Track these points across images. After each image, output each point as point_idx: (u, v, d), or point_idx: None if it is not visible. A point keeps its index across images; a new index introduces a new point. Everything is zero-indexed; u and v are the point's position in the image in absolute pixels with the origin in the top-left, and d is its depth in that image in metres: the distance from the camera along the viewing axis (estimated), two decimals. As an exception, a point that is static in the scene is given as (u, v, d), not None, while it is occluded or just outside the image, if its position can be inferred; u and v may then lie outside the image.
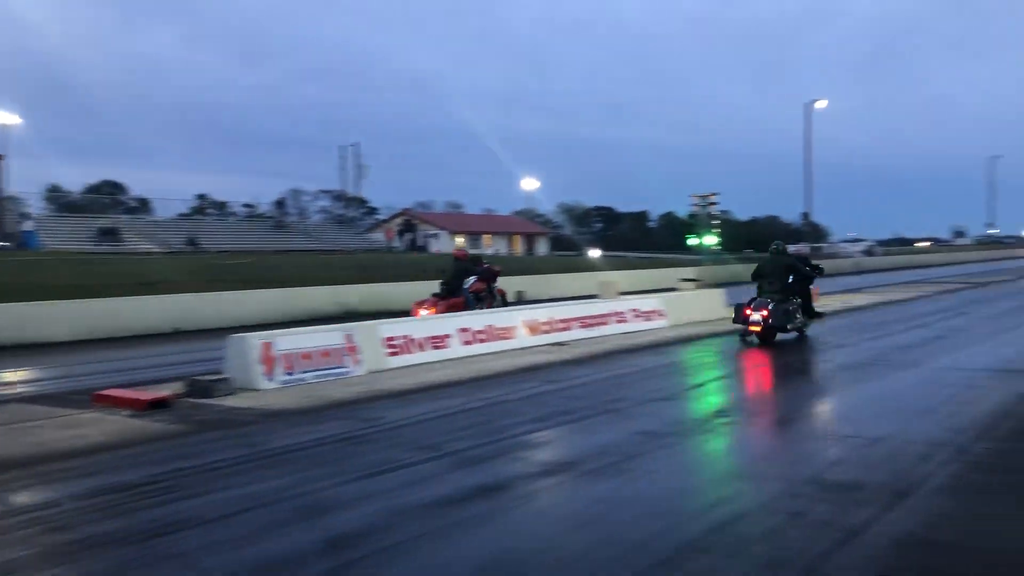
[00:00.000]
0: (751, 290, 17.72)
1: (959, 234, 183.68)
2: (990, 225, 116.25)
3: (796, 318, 17.28)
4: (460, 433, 9.51)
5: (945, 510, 6.38)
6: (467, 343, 15.80)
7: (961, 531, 5.94)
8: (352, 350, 13.65)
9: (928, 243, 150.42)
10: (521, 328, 16.98)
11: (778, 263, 17.57)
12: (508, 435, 9.38)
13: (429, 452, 8.58)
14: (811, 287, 18.08)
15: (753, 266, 18.26)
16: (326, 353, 13.28)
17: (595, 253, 70.04)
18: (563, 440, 9.31)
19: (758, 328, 16.63)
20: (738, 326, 17.13)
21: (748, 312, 16.85)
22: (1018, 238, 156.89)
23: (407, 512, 6.59)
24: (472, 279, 20.60)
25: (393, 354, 14.37)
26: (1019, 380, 12.10)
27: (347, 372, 13.39)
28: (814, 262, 19.83)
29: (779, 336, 17.00)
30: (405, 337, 14.69)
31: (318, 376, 12.96)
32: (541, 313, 17.81)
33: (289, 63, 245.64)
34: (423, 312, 19.34)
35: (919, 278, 45.35)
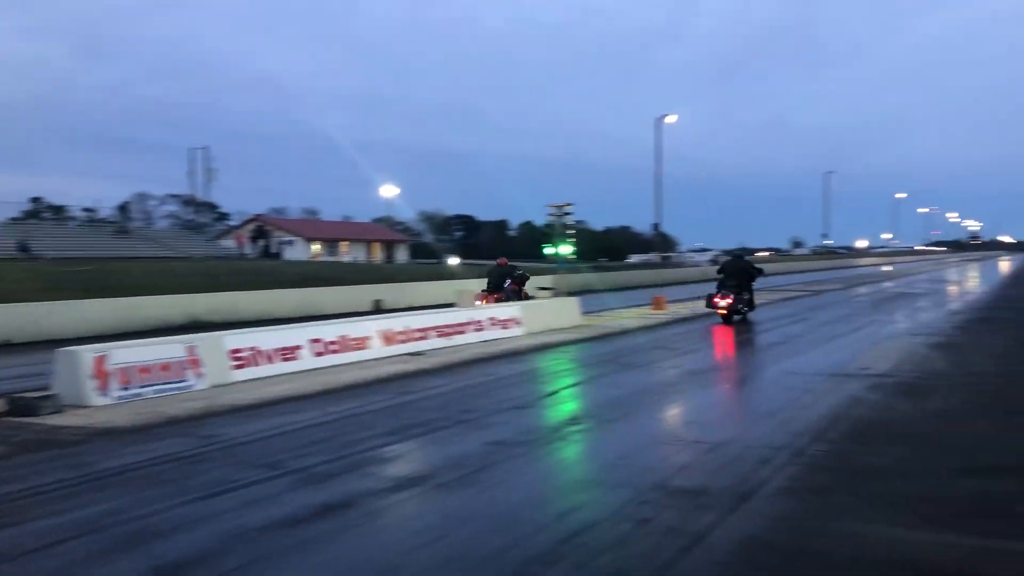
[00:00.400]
0: (604, 298, 18.22)
1: (797, 244, 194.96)
2: (825, 236, 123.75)
3: (744, 308, 23.19)
4: (307, 449, 9.14)
5: (783, 512, 6.58)
6: (319, 354, 15.31)
7: (798, 532, 6.13)
8: (194, 363, 12.96)
9: (767, 253, 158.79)
10: (376, 338, 16.63)
11: (737, 265, 23.76)
12: (358, 450, 9.08)
13: (272, 470, 8.18)
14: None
15: (607, 274, 19.03)
16: (166, 366, 12.55)
17: (454, 261, 70.01)
18: (415, 453, 9.10)
19: (724, 311, 22.48)
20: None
21: (717, 300, 22.69)
22: (850, 248, 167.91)
23: (244, 535, 6.22)
24: (508, 280, 25.37)
25: (239, 367, 13.74)
26: (851, 383, 12.76)
27: (189, 386, 12.70)
28: (757, 265, 25.00)
29: (737, 317, 23.07)
30: (252, 349, 14.08)
31: (157, 391, 12.22)
32: (397, 322, 17.51)
33: (134, 61, 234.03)
34: (478, 303, 23.51)
35: (761, 286, 47.62)
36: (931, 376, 13.36)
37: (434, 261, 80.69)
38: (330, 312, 27.03)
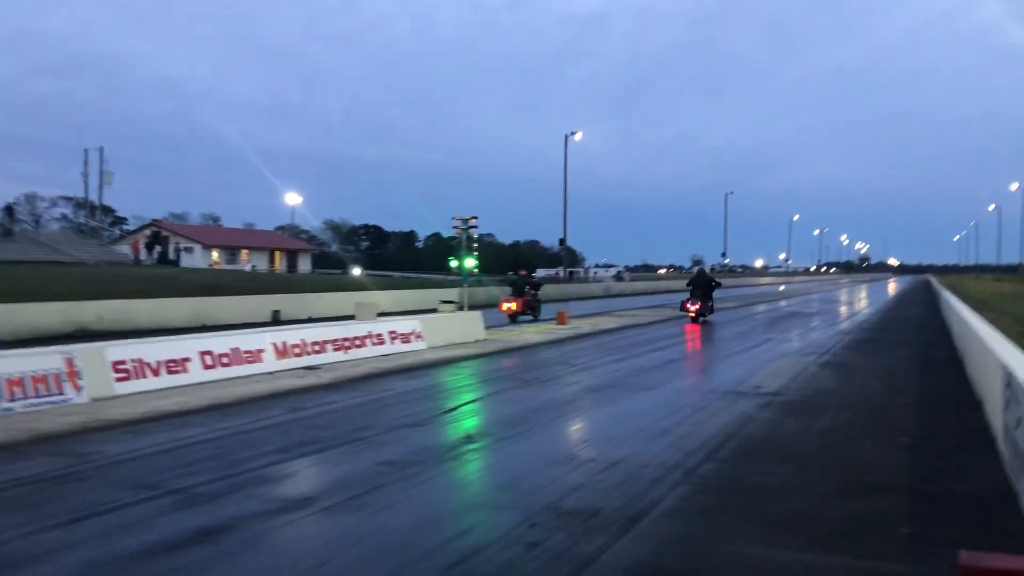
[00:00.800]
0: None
1: (698, 262, 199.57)
2: (724, 255, 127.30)
3: (707, 311, 30.40)
4: (190, 468, 8.72)
5: (673, 534, 6.57)
6: (210, 367, 14.75)
7: (688, 556, 6.11)
8: (73, 375, 12.28)
9: (665, 270, 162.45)
10: (270, 351, 16.13)
11: (703, 279, 30.83)
12: (243, 469, 8.70)
13: (150, 491, 7.76)
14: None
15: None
16: (41, 379, 11.84)
17: (356, 271, 69.08)
18: (303, 473, 8.78)
19: (693, 313, 29.43)
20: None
21: (688, 305, 29.65)
22: (748, 268, 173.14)
23: (113, 563, 5.85)
24: (528, 286, 32.46)
25: (123, 379, 13.10)
26: (743, 401, 13.00)
27: (65, 400, 12.01)
28: (717, 280, 32.15)
29: (702, 319, 30.09)
30: (137, 361, 13.44)
31: (29, 406, 11.51)
32: (293, 335, 17.03)
33: (23, 56, 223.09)
34: (506, 306, 31.02)
35: (662, 303, 48.50)
36: (820, 395, 13.72)
37: (338, 272, 79.48)
38: (227, 323, 26.25)
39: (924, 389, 14.42)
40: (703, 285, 30.36)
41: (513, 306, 30.92)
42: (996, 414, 9.55)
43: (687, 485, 8.02)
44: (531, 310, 31.89)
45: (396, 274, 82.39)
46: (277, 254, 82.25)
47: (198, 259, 70.83)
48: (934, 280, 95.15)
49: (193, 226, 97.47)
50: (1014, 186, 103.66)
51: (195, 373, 14.41)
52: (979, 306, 29.92)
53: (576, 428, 11.52)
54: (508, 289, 33.09)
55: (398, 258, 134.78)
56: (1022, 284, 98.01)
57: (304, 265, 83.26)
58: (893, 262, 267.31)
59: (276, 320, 30.19)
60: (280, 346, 16.43)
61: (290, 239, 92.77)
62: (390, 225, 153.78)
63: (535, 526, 6.71)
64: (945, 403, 12.88)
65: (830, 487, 7.92)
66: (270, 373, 15.64)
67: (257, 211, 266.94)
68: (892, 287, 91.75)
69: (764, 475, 8.44)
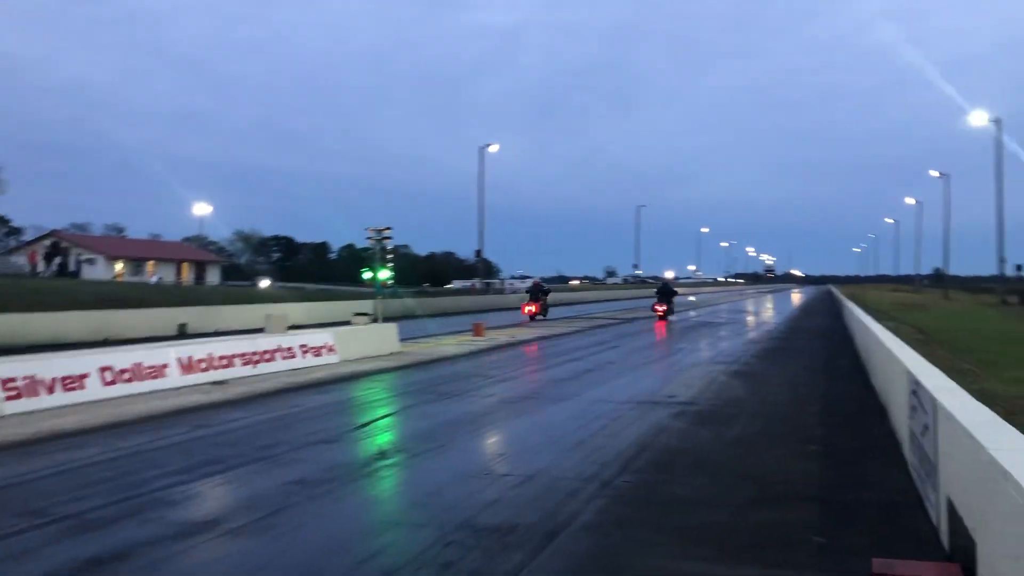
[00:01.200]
0: (424, 324, 17.94)
1: (611, 273, 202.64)
2: (636, 267, 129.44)
3: (671, 312, 39.70)
4: (84, 491, 8.22)
5: (591, 549, 6.46)
6: (110, 383, 14.06)
7: (604, 571, 6.01)
8: (-43, 395, 11.51)
9: (578, 281, 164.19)
10: (175, 366, 15.49)
11: (667, 287, 41.34)
12: (143, 491, 8.25)
13: (38, 517, 7.26)
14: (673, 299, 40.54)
15: (428, 300, 18.83)
16: (-80, 399, 11.06)
17: (264, 283, 67.54)
18: (207, 494, 8.37)
19: (661, 313, 38.78)
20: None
21: (656, 307, 39.05)
22: (659, 279, 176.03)
23: (-9, 600, 5.40)
24: (541, 293, 41.02)
25: (12, 398, 12.35)
26: (657, 411, 13.06)
27: (-52, 421, 11.24)
28: (675, 288, 43.52)
29: (668, 316, 39.48)
30: (29, 378, 12.70)
31: (-93, 428, 10.73)
32: (199, 349, 16.40)
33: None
34: (527, 309, 39.66)
35: (576, 314, 48.87)
36: (731, 404, 13.90)
37: (248, 283, 77.62)
38: (130, 336, 25.17)
39: (830, 397, 14.76)
40: (667, 292, 40.59)
41: (533, 308, 39.74)
42: (901, 421, 9.78)
43: (603, 498, 7.94)
44: (543, 312, 40.32)
45: (308, 286, 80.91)
46: (184, 266, 79.80)
47: (101, 271, 68.12)
48: (835, 290, 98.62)
49: (96, 237, 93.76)
50: (910, 200, 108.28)
51: (94, 390, 13.71)
52: (879, 315, 31.02)
53: (492, 441, 11.36)
54: (424, 300, 33.22)
55: (310, 270, 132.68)
56: (917, 294, 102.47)
57: (213, 277, 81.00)
58: (797, 273, 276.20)
59: (182, 334, 29.19)
60: (186, 361, 15.79)
61: (198, 250, 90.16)
62: (302, 236, 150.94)
63: (450, 545, 6.51)
64: (851, 411, 13.18)
65: (743, 497, 7.95)
66: (175, 389, 15.01)
67: (164, 222, 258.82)
68: (796, 297, 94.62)
69: (679, 486, 8.43)
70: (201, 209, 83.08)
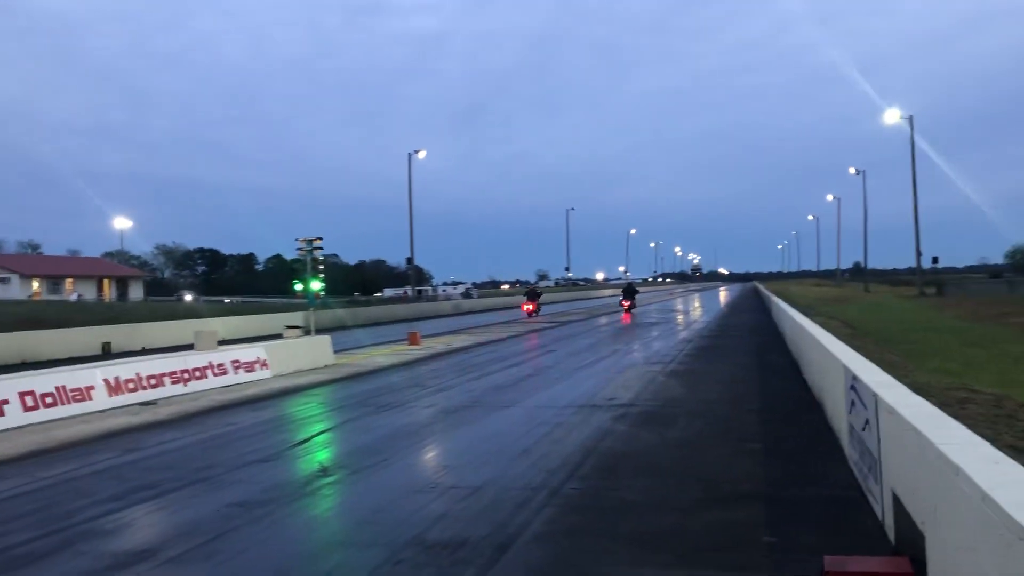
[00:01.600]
0: (357, 335, 17.62)
1: (543, 277, 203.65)
2: (567, 269, 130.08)
3: (633, 307, 49.11)
4: (8, 526, 7.83)
5: (543, 560, 6.38)
6: (31, 409, 13.47)
7: (558, 582, 5.94)
8: None
9: (509, 285, 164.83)
10: (101, 387, 14.92)
11: (630, 287, 51.67)
12: (72, 523, 7.88)
13: (-41, 557, 6.85)
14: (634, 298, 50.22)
15: (360, 310, 18.53)
16: None
17: (187, 297, 65.98)
18: (141, 522, 8.03)
19: (626, 306, 48.81)
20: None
21: (623, 303, 49.40)
22: (590, 280, 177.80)
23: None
24: (537, 294, 52.21)
25: (-74, 429, 11.72)
26: (599, 415, 13.08)
27: None
28: (637, 288, 53.33)
29: (631, 309, 49.13)
30: (-56, 407, 12.08)
31: None
32: (126, 368, 15.84)
33: None
34: (526, 307, 49.31)
35: (511, 318, 48.91)
36: (671, 404, 14.00)
37: (173, 298, 75.69)
38: (51, 358, 24.31)
39: (766, 393, 15.00)
40: (631, 291, 50.88)
41: (531, 307, 49.52)
42: (839, 416, 9.96)
43: (552, 506, 7.88)
44: (538, 310, 49.92)
45: (236, 299, 79.38)
46: (106, 282, 77.42)
47: (16, 290, 65.67)
48: (761, 287, 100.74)
49: (9, 255, 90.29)
50: (830, 197, 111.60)
51: (13, 417, 13.11)
52: (807, 311, 31.74)
53: (436, 453, 11.20)
54: (356, 310, 32.67)
55: (238, 282, 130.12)
56: (839, 288, 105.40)
57: (136, 292, 78.76)
58: (723, 271, 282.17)
59: (107, 353, 28.25)
60: (112, 381, 15.24)
61: (120, 266, 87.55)
62: (228, 248, 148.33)
63: (400, 563, 6.36)
64: (787, 407, 13.40)
65: (690, 499, 7.98)
66: (101, 412, 14.47)
67: (83, 237, 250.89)
68: (723, 295, 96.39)
69: (626, 490, 8.42)
70: (121, 223, 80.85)
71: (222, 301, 69.57)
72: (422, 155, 68.44)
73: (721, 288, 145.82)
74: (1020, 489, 3.75)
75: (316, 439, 12.37)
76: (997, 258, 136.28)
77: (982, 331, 29.83)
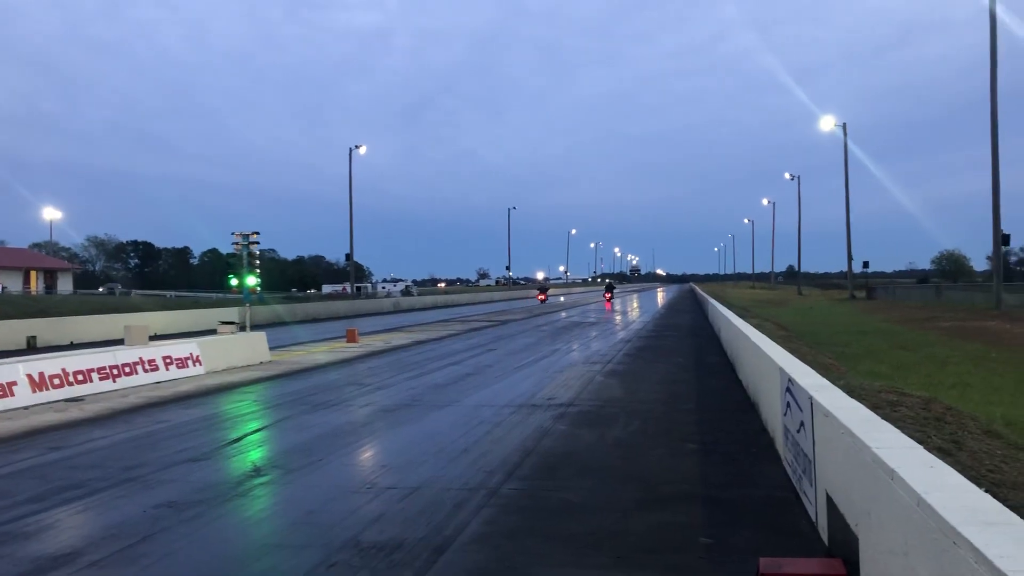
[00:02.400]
0: (294, 331, 17.29)
1: (483, 275, 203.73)
2: (508, 268, 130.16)
3: (613, 298, 73.76)
4: (-80, 529, 7.43)
5: (481, 563, 6.29)
6: (-52, 405, 12.90)
7: (496, 585, 5.87)
8: None
9: (443, 284, 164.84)
10: (24, 383, 14.37)
11: (611, 284, 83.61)
12: (-11, 525, 7.53)
13: None
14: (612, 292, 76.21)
15: (298, 306, 18.03)
16: None
17: (117, 290, 64.32)
18: (65, 523, 7.71)
19: (608, 301, 68.99)
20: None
21: (606, 295, 73.06)
22: (531, 280, 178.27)
23: None
24: (545, 288, 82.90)
25: None
26: (539, 414, 13.05)
27: None
28: (610, 282, 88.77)
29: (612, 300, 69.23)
30: None
31: None
32: (51, 364, 15.29)
33: None
34: (540, 296, 76.36)
35: (451, 316, 48.76)
36: (610, 404, 14.05)
37: (104, 292, 73.71)
38: (-30, 352, 23.32)
39: (703, 394, 15.16)
40: (611, 287, 71.99)
41: (543, 296, 70.14)
42: (774, 417, 10.08)
43: (491, 507, 7.80)
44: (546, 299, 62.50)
45: (169, 293, 77.58)
46: (33, 274, 74.83)
47: (-64, 281, 63.07)
48: (698, 288, 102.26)
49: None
50: (765, 201, 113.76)
51: (-71, 413, 12.55)
52: (742, 312, 32.26)
53: (373, 453, 11.03)
54: (293, 306, 31.92)
55: (171, 276, 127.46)
56: (773, 291, 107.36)
57: (65, 285, 76.30)
58: (661, 272, 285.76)
59: (32, 347, 27.34)
60: (36, 377, 14.69)
61: (48, 257, 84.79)
62: (162, 241, 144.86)
63: (335, 566, 6.22)
64: (723, 407, 13.56)
65: (629, 500, 7.98)
66: (24, 408, 13.96)
67: (8, 228, 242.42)
68: (661, 296, 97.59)
69: (565, 491, 8.38)
70: (51, 214, 78.43)
71: (160, 295, 67.84)
72: (363, 151, 67.86)
73: (659, 289, 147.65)
74: (955, 494, 3.80)
75: (249, 438, 12.09)
76: (924, 263, 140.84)
77: (911, 334, 30.69)
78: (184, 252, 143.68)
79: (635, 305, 66.32)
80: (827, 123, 72.06)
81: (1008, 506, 6.25)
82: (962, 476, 4.21)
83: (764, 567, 5.41)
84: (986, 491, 5.32)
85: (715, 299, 45.93)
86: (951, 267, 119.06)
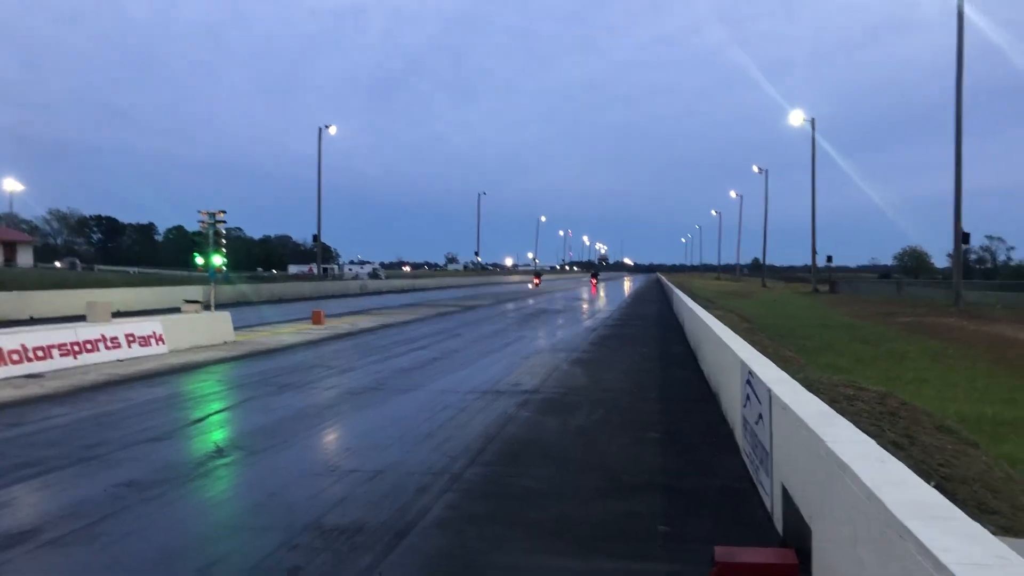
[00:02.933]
0: (261, 311, 17.19)
1: (452, 260, 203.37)
2: (477, 254, 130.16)
3: (599, 282, 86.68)
4: None
5: (442, 547, 6.35)
6: (-96, 379, 12.68)
7: (457, 569, 5.92)
8: None
9: (408, 267, 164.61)
10: (-18, 358, 14.16)
11: (596, 267, 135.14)
12: (-55, 501, 7.45)
13: None
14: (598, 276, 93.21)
15: (264, 286, 17.90)
16: None
17: (78, 265, 63.38)
18: (23, 501, 7.65)
19: (594, 281, 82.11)
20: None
21: (593, 280, 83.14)
22: (499, 266, 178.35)
23: None
24: (538, 273, 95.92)
25: None
26: (503, 401, 13.12)
27: None
28: (596, 269, 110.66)
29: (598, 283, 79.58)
30: None
31: None
32: (10, 339, 15.07)
33: None
34: (535, 280, 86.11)
35: (418, 300, 48.67)
36: (574, 392, 14.16)
37: (66, 266, 72.58)
38: (-74, 325, 22.86)
39: (666, 384, 15.32)
40: (596, 270, 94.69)
41: (537, 280, 77.83)
42: (734, 408, 10.24)
43: (454, 492, 7.86)
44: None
45: (133, 269, 76.59)
46: (-8, 246, 73.48)
47: None
48: (664, 279, 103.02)
49: None
50: (732, 193, 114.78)
51: None
52: (706, 304, 32.57)
53: (337, 436, 11.04)
54: (259, 286, 31.60)
55: (136, 252, 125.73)
56: (738, 282, 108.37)
57: (25, 259, 74.99)
58: (628, 261, 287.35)
59: (-10, 321, 26.85)
60: (-6, 353, 14.47)
61: (7, 230, 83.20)
62: (126, 216, 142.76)
63: (296, 548, 6.25)
64: (685, 397, 13.73)
65: (591, 488, 8.08)
66: (-19, 384, 13.74)
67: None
68: (628, 285, 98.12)
69: (528, 477, 8.46)
70: (11, 185, 76.95)
71: (123, 271, 66.91)
72: (333, 130, 67.31)
73: (626, 278, 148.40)
74: (904, 489, 3.92)
75: (212, 418, 12.03)
76: (887, 259, 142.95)
77: (871, 329, 31.20)
78: (149, 228, 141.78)
79: (602, 294, 66.63)
80: (796, 117, 72.75)
81: (956, 500, 6.44)
82: (912, 471, 4.34)
83: (719, 555, 5.52)
84: (935, 486, 5.49)
85: (681, 290, 46.29)
86: (913, 263, 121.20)
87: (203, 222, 23.26)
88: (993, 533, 3.44)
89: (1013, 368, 19.07)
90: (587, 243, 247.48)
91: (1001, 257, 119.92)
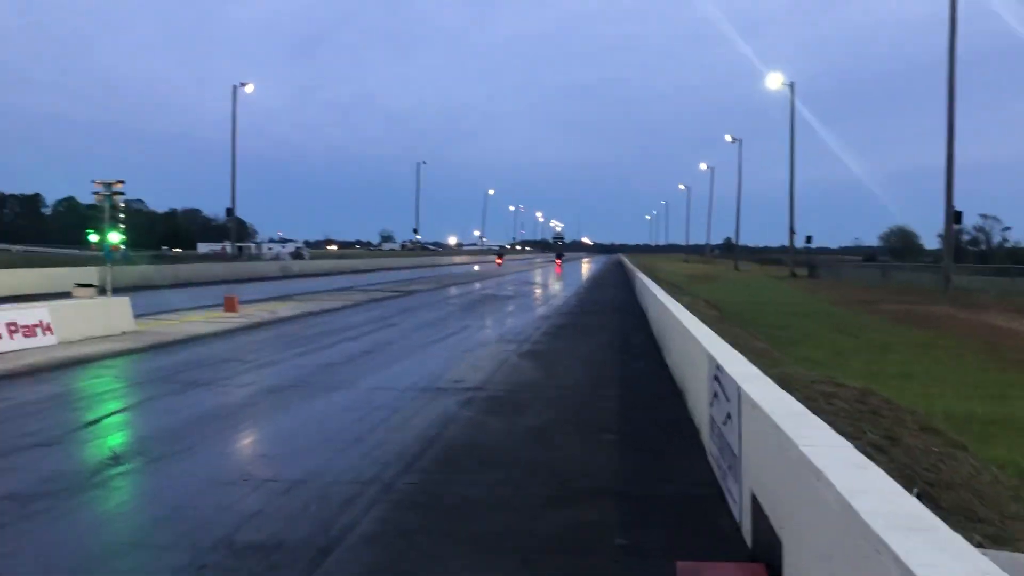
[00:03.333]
0: (166, 296, 16.95)
1: (387, 239, 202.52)
2: (416, 231, 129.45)
3: (563, 262, 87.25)
4: None
5: (371, 566, 6.35)
6: None
7: (387, 591, 5.94)
8: None
9: (336, 247, 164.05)
10: None
11: (559, 248, 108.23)
12: None
13: None
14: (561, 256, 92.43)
15: (170, 267, 17.63)
16: None
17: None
18: None
19: (559, 262, 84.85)
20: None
21: (558, 261, 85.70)
22: (442, 245, 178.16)
23: None
24: (502, 252, 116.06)
25: None
26: (444, 399, 13.14)
27: None
28: (560, 249, 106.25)
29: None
30: None
31: None
32: None
33: None
34: (498, 261, 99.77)
35: (349, 284, 48.36)
36: (524, 388, 14.24)
37: (-63, 244, 70.81)
38: None
39: (626, 378, 15.48)
40: (560, 250, 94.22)
41: (500, 261, 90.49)
42: (701, 406, 10.39)
43: (385, 503, 7.86)
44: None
45: (16, 247, 74.86)
46: None
47: None
48: (627, 260, 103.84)
49: None
50: (703, 165, 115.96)
51: None
52: (673, 289, 32.94)
53: (252, 440, 10.95)
54: (164, 267, 31.03)
55: (18, 227, 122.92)
56: (709, 265, 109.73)
57: None
58: (587, 241, 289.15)
59: None
60: None
61: None
62: (8, 187, 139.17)
63: (204, 569, 6.20)
64: (647, 394, 13.88)
65: (539, 496, 8.14)
66: None
67: None
68: (586, 267, 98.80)
69: (469, 486, 8.49)
70: None
71: (7, 249, 65.38)
72: (250, 89, 66.31)
73: (584, 260, 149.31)
74: (881, 498, 4.01)
75: (108, 420, 11.84)
76: (872, 239, 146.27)
77: (852, 318, 31.89)
78: (35, 200, 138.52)
79: (557, 278, 66.97)
80: (775, 80, 73.73)
81: (940, 509, 6.63)
82: (892, 478, 4.44)
83: (682, 572, 5.62)
84: (918, 493, 5.64)
85: (645, 273, 46.72)
86: (900, 244, 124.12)
87: (98, 193, 22.79)
88: (981, 544, 3.55)
89: (1006, 361, 19.67)
90: (541, 219, 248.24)
91: (996, 238, 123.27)
